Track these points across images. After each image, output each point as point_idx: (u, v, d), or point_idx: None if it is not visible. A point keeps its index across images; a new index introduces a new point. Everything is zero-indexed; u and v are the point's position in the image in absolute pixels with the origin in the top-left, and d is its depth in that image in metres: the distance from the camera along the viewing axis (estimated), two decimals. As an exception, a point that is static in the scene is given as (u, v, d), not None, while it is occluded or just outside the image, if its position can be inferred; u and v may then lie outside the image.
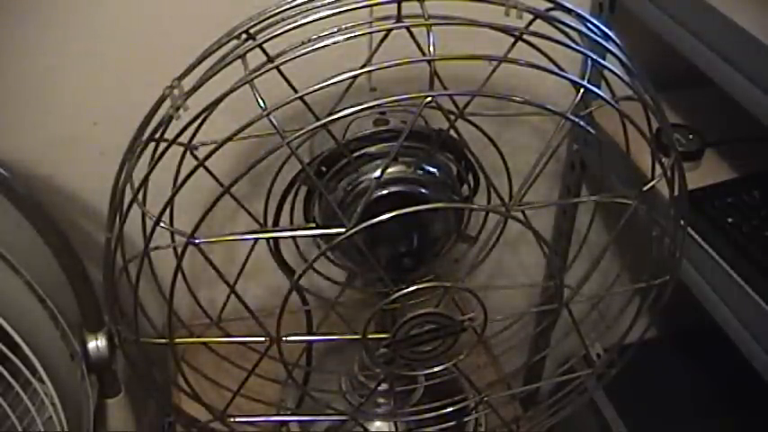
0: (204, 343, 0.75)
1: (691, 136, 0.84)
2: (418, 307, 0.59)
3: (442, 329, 0.60)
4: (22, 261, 0.66)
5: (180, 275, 0.56)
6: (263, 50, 0.53)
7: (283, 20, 0.52)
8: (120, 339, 0.63)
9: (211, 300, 0.79)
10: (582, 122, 0.55)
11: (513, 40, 0.52)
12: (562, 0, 0.55)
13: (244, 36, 0.54)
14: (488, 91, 0.52)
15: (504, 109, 0.73)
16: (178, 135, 0.54)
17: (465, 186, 0.70)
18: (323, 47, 0.50)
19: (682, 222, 0.64)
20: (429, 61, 0.50)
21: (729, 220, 0.76)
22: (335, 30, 0.53)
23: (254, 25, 0.54)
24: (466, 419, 0.78)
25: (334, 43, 0.50)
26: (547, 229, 1.07)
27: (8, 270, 0.66)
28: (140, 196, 0.55)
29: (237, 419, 0.65)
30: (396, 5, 0.55)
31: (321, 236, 0.66)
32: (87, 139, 0.83)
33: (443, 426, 0.74)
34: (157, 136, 0.56)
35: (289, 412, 0.81)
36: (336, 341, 0.62)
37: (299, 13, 0.52)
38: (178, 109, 0.52)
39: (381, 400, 0.79)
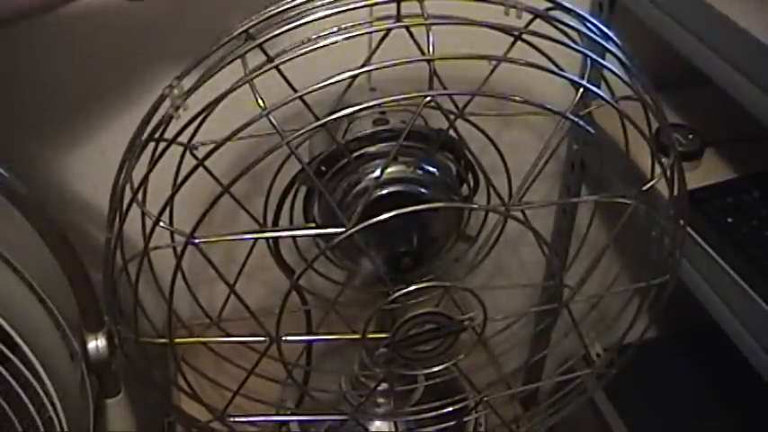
0: (204, 343, 0.75)
1: (690, 136, 0.84)
2: (418, 307, 0.59)
3: (441, 329, 0.60)
4: (22, 261, 0.66)
5: (180, 275, 0.56)
6: (263, 50, 0.53)
7: (283, 20, 0.52)
8: (120, 339, 0.63)
9: (211, 300, 0.79)
10: (581, 122, 0.55)
11: (512, 39, 0.52)
12: (561, 0, 0.55)
13: (243, 36, 0.54)
14: (488, 91, 0.52)
15: (504, 109, 0.73)
16: (177, 135, 0.54)
17: (465, 186, 0.70)
18: (322, 47, 0.50)
19: (681, 222, 0.64)
20: (428, 61, 0.50)
21: (729, 220, 0.76)
22: (335, 29, 0.53)
23: (254, 25, 0.54)
24: (466, 419, 0.78)
25: (334, 43, 0.50)
26: (547, 228, 1.07)
27: (8, 270, 0.66)
28: (140, 196, 0.55)
29: (237, 419, 0.65)
30: (395, 5, 0.55)
31: (320, 235, 0.66)
32: (87, 139, 0.83)
33: (443, 426, 0.74)
34: (157, 136, 0.56)
35: (289, 412, 0.81)
36: (336, 341, 0.62)
37: (298, 13, 0.52)
38: (178, 108, 0.52)
39: (381, 400, 0.79)
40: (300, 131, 0.50)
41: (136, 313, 0.60)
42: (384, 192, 0.63)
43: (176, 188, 0.53)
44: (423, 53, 0.54)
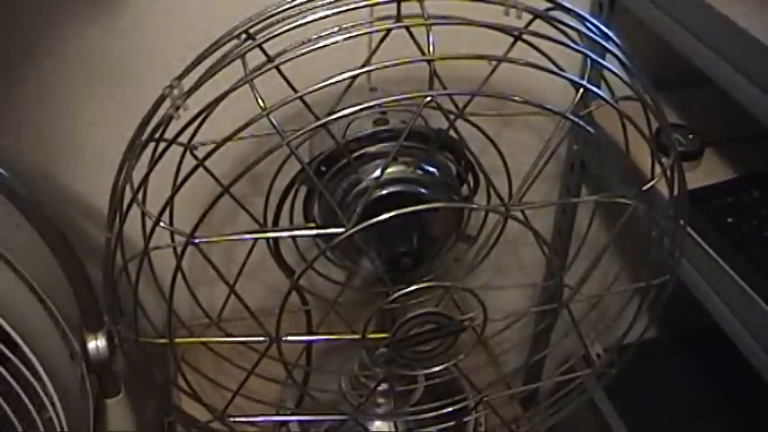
0: (204, 343, 0.75)
1: (690, 136, 0.84)
2: (418, 307, 0.59)
3: (441, 329, 0.60)
4: (22, 261, 0.66)
5: (180, 275, 0.56)
6: (263, 50, 0.53)
7: (283, 20, 0.53)
8: (120, 339, 0.63)
9: (211, 300, 0.79)
10: (581, 122, 0.55)
11: (512, 39, 0.52)
12: (561, 0, 0.55)
13: (243, 36, 0.54)
14: (488, 91, 0.52)
15: (504, 109, 0.73)
16: (178, 135, 0.54)
17: (465, 186, 0.70)
18: (323, 47, 0.50)
19: (681, 222, 0.64)
20: (429, 61, 0.50)
21: (729, 219, 0.76)
22: (335, 29, 0.53)
23: (254, 25, 0.54)
24: (466, 419, 0.78)
25: (334, 43, 0.50)
26: (547, 228, 1.07)
27: (8, 270, 0.66)
28: (140, 196, 0.55)
29: (237, 419, 0.65)
30: (395, 5, 0.55)
31: (320, 236, 0.66)
32: (87, 139, 0.83)
33: (443, 426, 0.74)
34: (157, 136, 0.56)
35: (289, 412, 0.81)
36: (336, 341, 0.62)
37: (298, 13, 0.52)
38: (178, 109, 0.52)
39: (381, 400, 0.79)
40: (300, 131, 0.50)
41: (136, 313, 0.60)
42: (384, 192, 0.63)
43: (176, 188, 0.53)
44: (423, 53, 0.54)
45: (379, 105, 0.52)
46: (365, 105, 0.50)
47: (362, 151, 0.65)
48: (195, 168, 0.52)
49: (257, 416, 0.69)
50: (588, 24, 0.55)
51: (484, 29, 0.50)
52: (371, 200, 0.62)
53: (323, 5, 0.51)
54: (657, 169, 0.59)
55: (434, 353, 0.62)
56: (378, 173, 0.63)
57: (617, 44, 0.56)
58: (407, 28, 0.59)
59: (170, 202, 0.55)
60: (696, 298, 0.78)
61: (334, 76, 0.49)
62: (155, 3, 0.77)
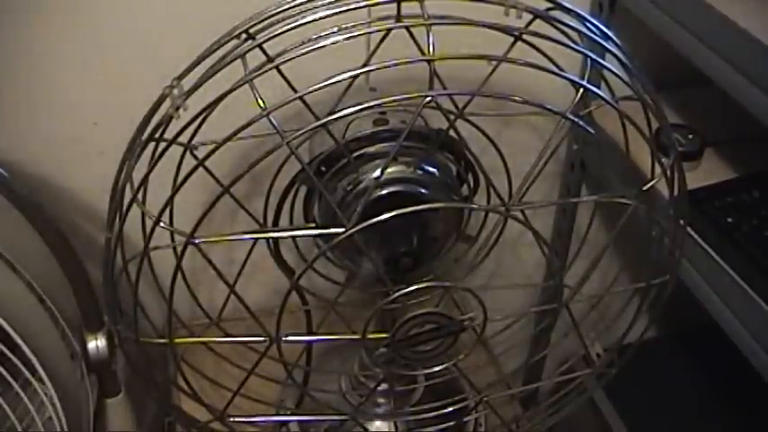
0: (204, 343, 0.75)
1: (690, 136, 0.84)
2: (418, 307, 0.59)
3: (441, 329, 0.60)
4: (22, 261, 0.66)
5: (180, 275, 0.56)
6: (263, 50, 0.53)
7: (283, 20, 0.53)
8: (120, 339, 0.63)
9: (211, 300, 0.79)
10: (581, 122, 0.55)
11: (512, 39, 0.52)
12: (561, 0, 0.55)
13: (243, 36, 0.54)
14: (488, 91, 0.52)
15: (504, 109, 0.73)
16: (178, 135, 0.54)
17: (465, 186, 0.70)
18: (322, 47, 0.50)
19: (681, 222, 0.64)
20: (428, 61, 0.50)
21: (729, 219, 0.76)
22: (335, 30, 0.53)
23: (254, 25, 0.54)
24: (466, 419, 0.78)
25: (334, 43, 0.50)
26: (547, 228, 1.07)
27: (8, 270, 0.66)
28: (140, 196, 0.55)
29: (237, 419, 0.65)
30: (395, 5, 0.55)
31: (320, 236, 0.66)
32: (87, 139, 0.83)
33: (443, 426, 0.74)
34: (157, 136, 0.56)
35: (288, 412, 0.81)
36: (336, 341, 0.62)
37: (298, 13, 0.52)
38: (178, 109, 0.52)
39: (381, 400, 0.79)
40: (300, 131, 0.50)
41: (136, 313, 0.60)
42: (384, 192, 0.63)
43: (176, 188, 0.53)
44: (423, 53, 0.54)
45: (379, 105, 0.52)
46: (365, 105, 0.50)
47: (362, 151, 0.65)
48: (195, 168, 0.52)
49: (257, 416, 0.69)
50: (588, 24, 0.55)
51: (484, 29, 0.50)
52: (371, 200, 0.62)
53: (323, 5, 0.51)
54: (657, 169, 0.59)
55: (434, 353, 0.62)
56: (378, 173, 0.63)
57: (617, 44, 0.56)
58: (407, 28, 0.59)
59: (170, 202, 0.55)
60: (696, 298, 0.78)
61: (334, 76, 0.49)
62: (155, 2, 0.77)
